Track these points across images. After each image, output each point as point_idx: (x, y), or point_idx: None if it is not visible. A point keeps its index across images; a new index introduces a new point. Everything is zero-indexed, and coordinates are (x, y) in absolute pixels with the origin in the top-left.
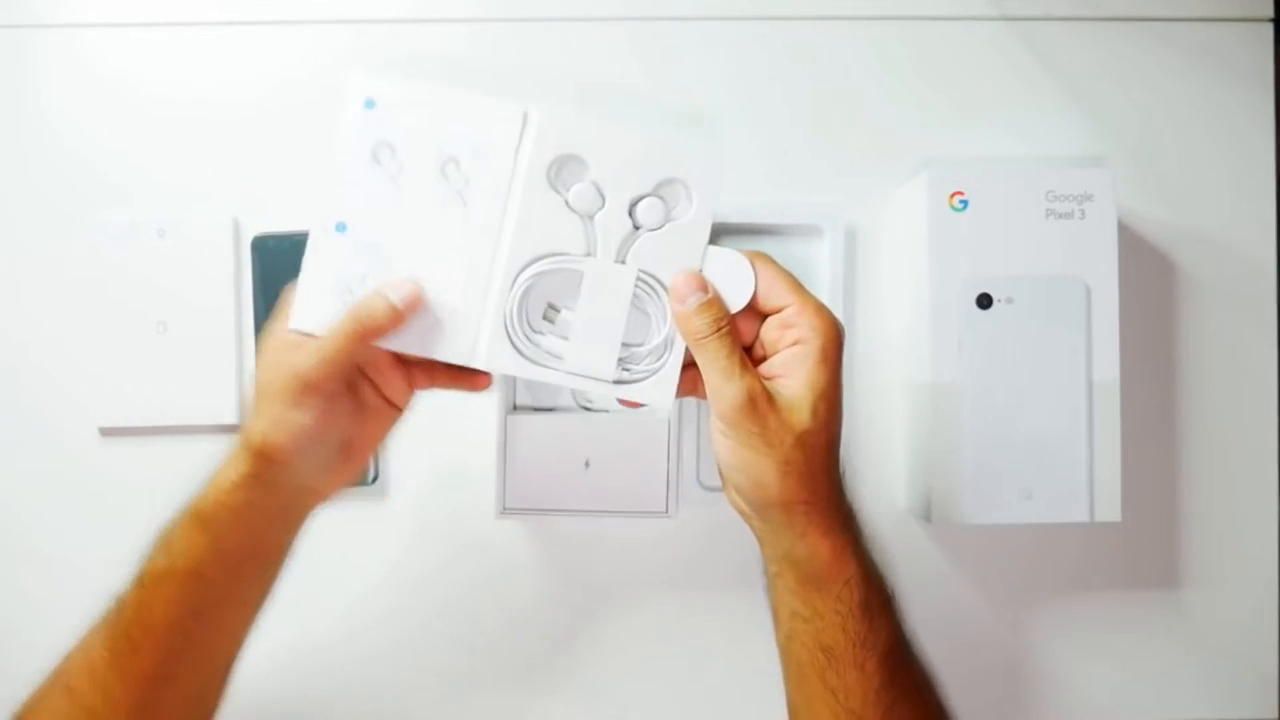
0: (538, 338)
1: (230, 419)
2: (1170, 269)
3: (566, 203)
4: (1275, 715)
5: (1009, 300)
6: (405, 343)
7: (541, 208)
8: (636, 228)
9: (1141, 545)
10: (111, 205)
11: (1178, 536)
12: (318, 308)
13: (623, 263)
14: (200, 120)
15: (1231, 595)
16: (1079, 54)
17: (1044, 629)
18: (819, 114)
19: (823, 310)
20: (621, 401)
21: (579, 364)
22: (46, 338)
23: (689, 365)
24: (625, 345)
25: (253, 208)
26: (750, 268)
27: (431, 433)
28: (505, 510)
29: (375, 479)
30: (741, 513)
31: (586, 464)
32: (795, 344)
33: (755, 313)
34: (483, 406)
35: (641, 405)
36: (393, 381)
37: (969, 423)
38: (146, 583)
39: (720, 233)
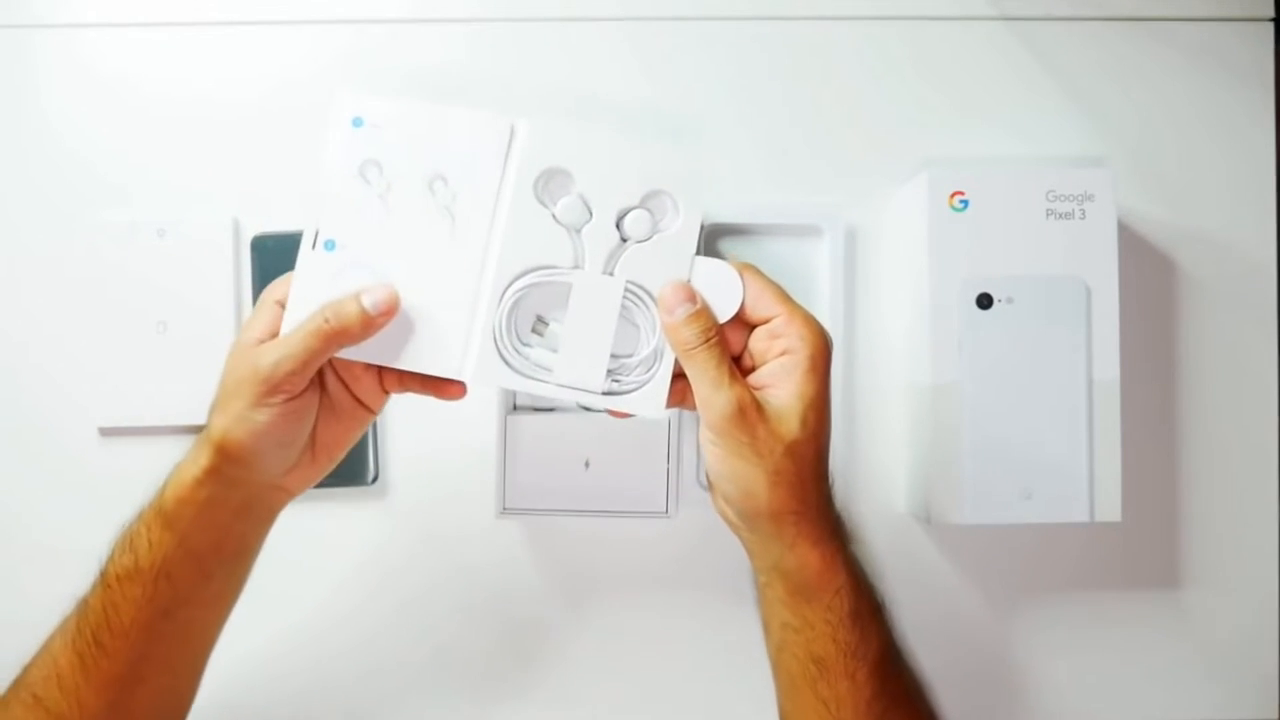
0: (526, 350)
1: None
2: (1170, 269)
3: (554, 216)
4: (1275, 715)
5: (1009, 300)
6: (395, 357)
7: (529, 221)
8: (624, 239)
9: (1141, 545)
10: (111, 205)
11: (1178, 536)
12: None
13: (611, 275)
14: (200, 120)
15: (1231, 595)
16: (1079, 54)
17: (1044, 629)
18: (819, 114)
19: (810, 320)
20: (611, 413)
21: (568, 376)
22: (46, 338)
23: (679, 376)
24: (615, 357)
25: (253, 208)
26: (738, 278)
27: (431, 433)
28: (505, 510)
29: (375, 479)
30: (730, 523)
31: (586, 464)
32: (783, 354)
33: (743, 323)
34: (483, 406)
35: (631, 416)
36: (364, 383)
37: (969, 423)
38: (112, 583)
39: (721, 233)
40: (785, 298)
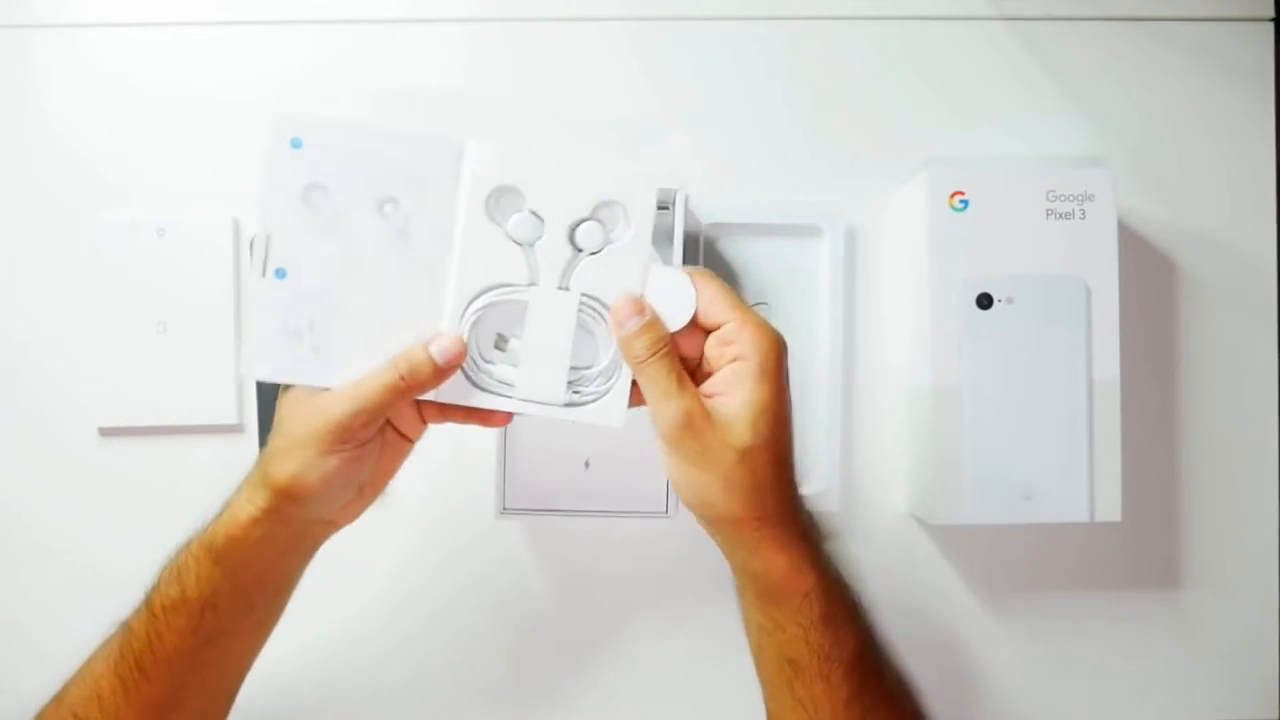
0: (489, 367)
1: (230, 419)
2: (1170, 269)
3: (506, 233)
4: (1275, 716)
5: (1009, 300)
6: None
7: (482, 240)
8: (579, 251)
9: (1141, 545)
10: (111, 205)
11: (1178, 536)
12: (271, 355)
13: (566, 289)
14: (200, 120)
15: (1231, 595)
16: (1079, 54)
17: (1044, 630)
18: (819, 114)
19: (762, 325)
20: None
21: (530, 390)
22: (46, 338)
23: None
24: (575, 368)
25: (253, 208)
26: (691, 286)
27: (432, 433)
28: (505, 510)
29: None
30: (704, 528)
31: (586, 464)
32: (735, 360)
33: (700, 330)
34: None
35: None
36: (405, 416)
37: (969, 423)
38: (158, 613)
39: (721, 233)
40: (737, 304)
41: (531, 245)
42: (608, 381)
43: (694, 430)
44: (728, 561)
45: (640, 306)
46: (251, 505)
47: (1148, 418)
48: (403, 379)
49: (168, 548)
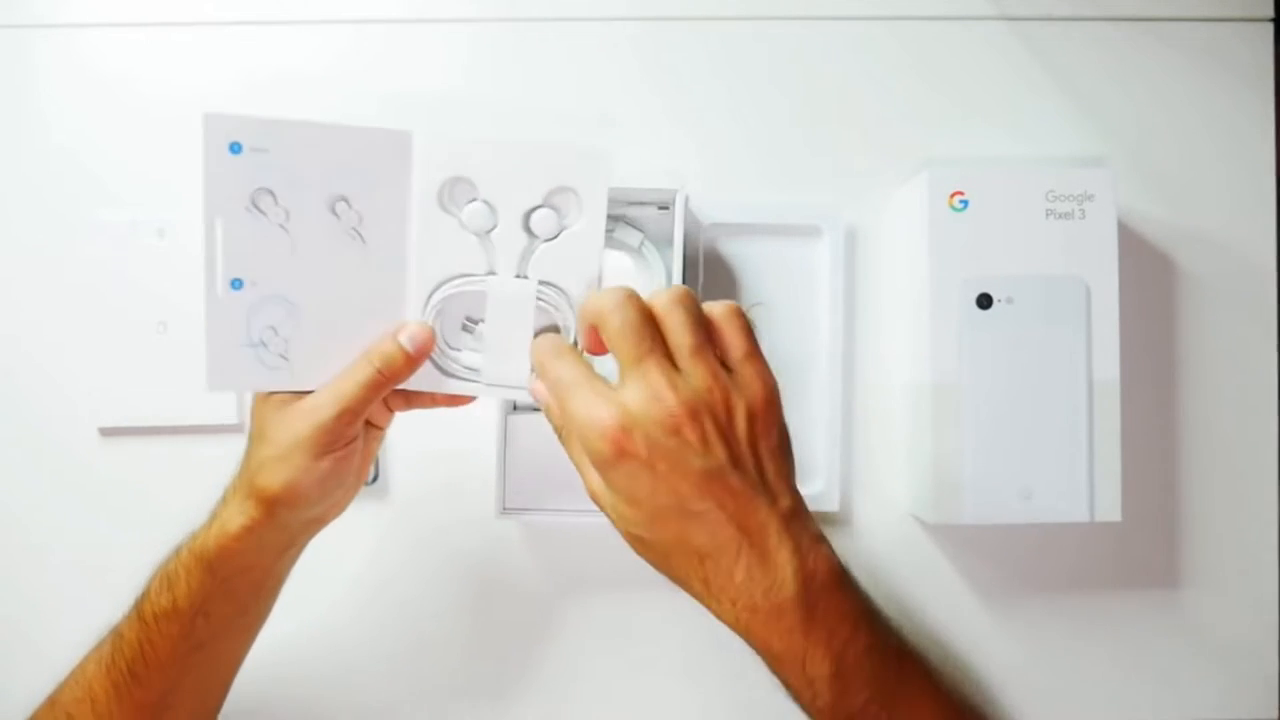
0: (455, 354)
1: (230, 419)
2: (1170, 269)
3: (461, 224)
4: (1275, 715)
5: (1009, 300)
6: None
7: (438, 232)
8: (535, 237)
9: (1141, 545)
10: (111, 205)
11: (1178, 536)
12: (231, 366)
13: (524, 277)
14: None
15: (1231, 595)
16: (1079, 54)
17: (1044, 629)
18: (819, 114)
19: (592, 404)
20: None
21: (495, 375)
22: (46, 338)
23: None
24: None
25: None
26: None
27: (431, 433)
28: (505, 510)
29: (375, 479)
30: None
31: None
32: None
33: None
34: (483, 406)
35: None
36: (377, 408)
37: (969, 423)
38: (149, 620)
39: (721, 233)
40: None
41: (487, 234)
42: None
43: (598, 506)
44: None
45: (539, 392)
46: (243, 515)
47: (1147, 418)
48: (379, 372)
49: (168, 548)
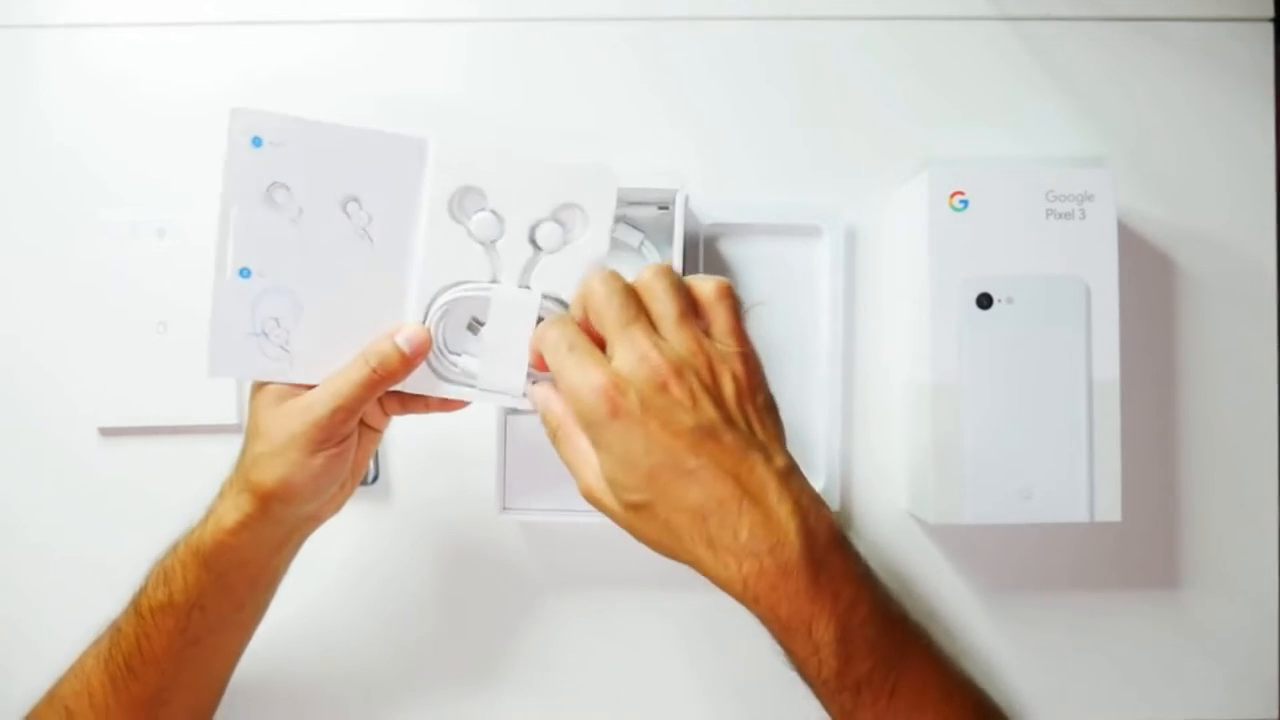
0: (452, 358)
1: (230, 419)
2: (1170, 269)
3: (469, 232)
4: (1275, 715)
5: (1009, 300)
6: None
7: (445, 239)
8: (539, 250)
9: (1141, 545)
10: (111, 205)
11: (1178, 536)
12: (233, 354)
13: (527, 288)
14: (200, 120)
15: (1231, 595)
16: (1079, 54)
17: (1044, 629)
18: (819, 114)
19: (585, 371)
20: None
21: (492, 382)
22: (46, 338)
23: None
24: None
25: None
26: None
27: (431, 433)
28: (505, 510)
29: (375, 479)
30: None
31: None
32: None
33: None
34: (483, 406)
35: None
36: (370, 409)
37: (969, 423)
38: (146, 615)
39: (721, 233)
40: (574, 347)
41: (493, 244)
42: None
43: (595, 502)
44: None
45: (540, 399)
46: (238, 510)
47: (1147, 417)
48: (375, 371)
49: (166, 548)
